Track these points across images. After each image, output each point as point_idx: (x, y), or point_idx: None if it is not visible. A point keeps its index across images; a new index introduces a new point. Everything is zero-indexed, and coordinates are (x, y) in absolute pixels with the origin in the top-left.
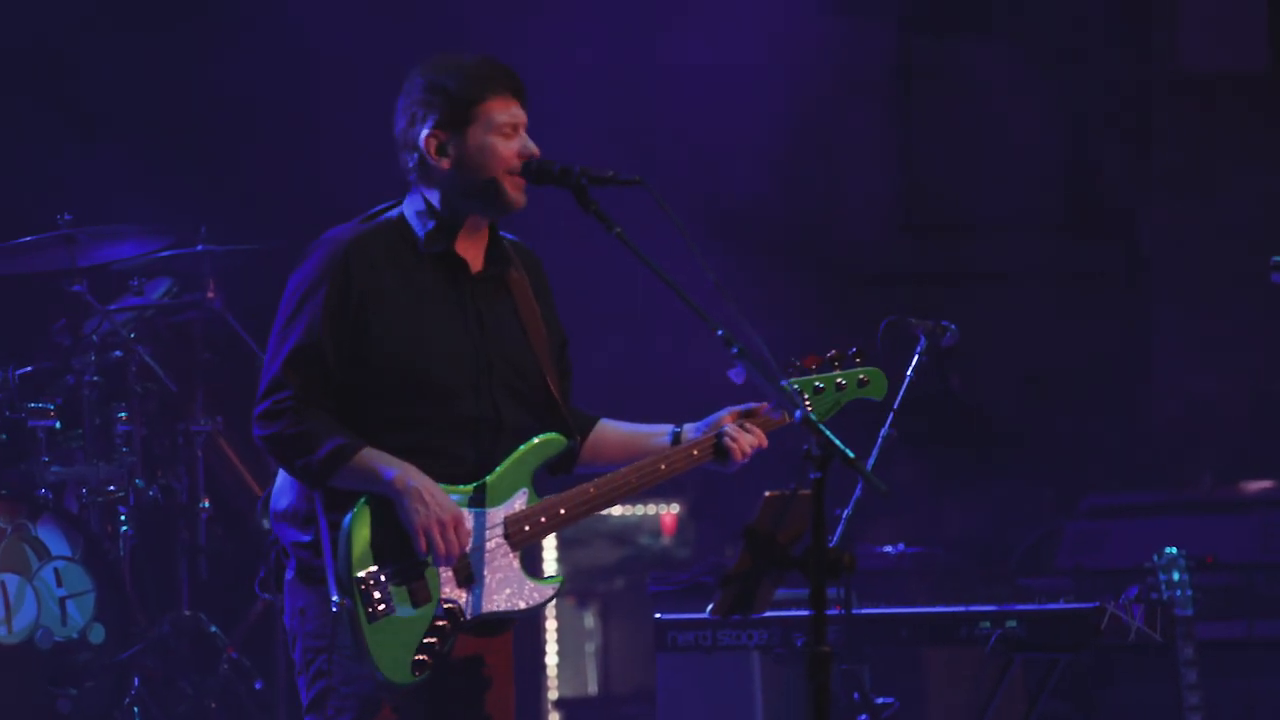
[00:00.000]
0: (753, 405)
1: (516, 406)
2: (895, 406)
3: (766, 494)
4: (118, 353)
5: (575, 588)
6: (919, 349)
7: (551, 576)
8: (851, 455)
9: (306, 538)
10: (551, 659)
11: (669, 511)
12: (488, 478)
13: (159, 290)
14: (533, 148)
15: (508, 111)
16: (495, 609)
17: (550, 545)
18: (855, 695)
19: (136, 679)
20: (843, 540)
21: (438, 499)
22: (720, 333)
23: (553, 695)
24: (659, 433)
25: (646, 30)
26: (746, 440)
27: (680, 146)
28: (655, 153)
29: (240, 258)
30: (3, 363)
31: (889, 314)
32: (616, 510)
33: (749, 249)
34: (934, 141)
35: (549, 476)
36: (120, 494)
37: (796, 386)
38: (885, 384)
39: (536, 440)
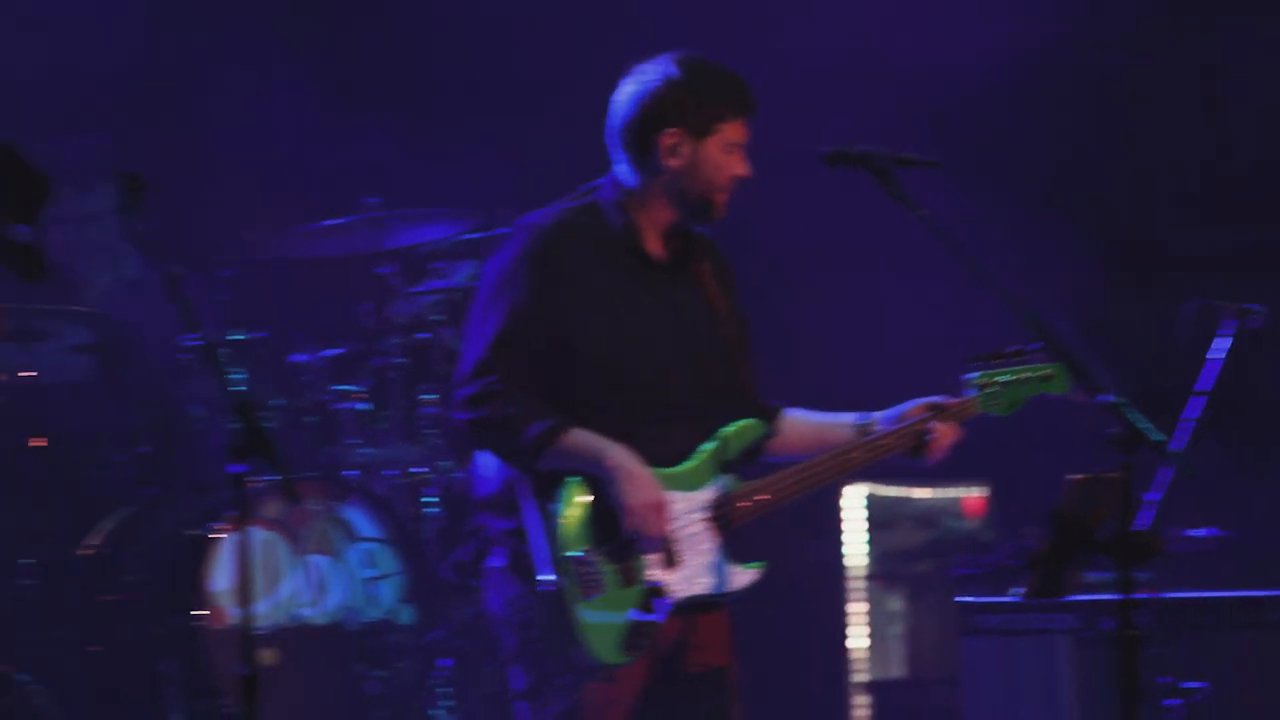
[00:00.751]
0: (941, 399)
1: (713, 395)
2: (1205, 390)
3: (1072, 477)
4: (423, 335)
5: (882, 570)
6: (1227, 332)
7: (754, 562)
8: (1160, 439)
9: (514, 524)
10: (858, 641)
11: (974, 494)
12: (690, 462)
13: (464, 273)
14: (748, 171)
15: (741, 133)
16: (700, 592)
17: (860, 529)
18: (1165, 680)
19: (445, 661)
20: (1153, 524)
21: (648, 480)
22: (1026, 316)
23: (860, 678)
24: (845, 423)
25: (937, 7)
26: (950, 438)
27: (978, 125)
28: (949, 132)
29: None
30: (311, 346)
31: (1194, 297)
32: (922, 492)
33: (1049, 231)
34: (1243, 124)
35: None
36: (427, 476)
37: (979, 376)
38: (1068, 381)
39: (737, 426)
